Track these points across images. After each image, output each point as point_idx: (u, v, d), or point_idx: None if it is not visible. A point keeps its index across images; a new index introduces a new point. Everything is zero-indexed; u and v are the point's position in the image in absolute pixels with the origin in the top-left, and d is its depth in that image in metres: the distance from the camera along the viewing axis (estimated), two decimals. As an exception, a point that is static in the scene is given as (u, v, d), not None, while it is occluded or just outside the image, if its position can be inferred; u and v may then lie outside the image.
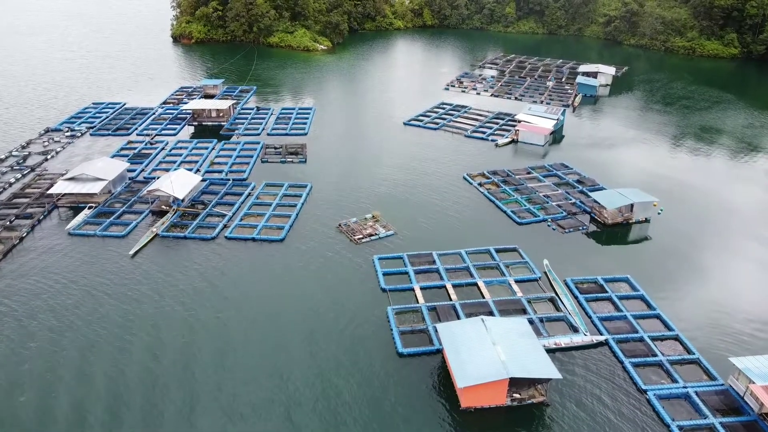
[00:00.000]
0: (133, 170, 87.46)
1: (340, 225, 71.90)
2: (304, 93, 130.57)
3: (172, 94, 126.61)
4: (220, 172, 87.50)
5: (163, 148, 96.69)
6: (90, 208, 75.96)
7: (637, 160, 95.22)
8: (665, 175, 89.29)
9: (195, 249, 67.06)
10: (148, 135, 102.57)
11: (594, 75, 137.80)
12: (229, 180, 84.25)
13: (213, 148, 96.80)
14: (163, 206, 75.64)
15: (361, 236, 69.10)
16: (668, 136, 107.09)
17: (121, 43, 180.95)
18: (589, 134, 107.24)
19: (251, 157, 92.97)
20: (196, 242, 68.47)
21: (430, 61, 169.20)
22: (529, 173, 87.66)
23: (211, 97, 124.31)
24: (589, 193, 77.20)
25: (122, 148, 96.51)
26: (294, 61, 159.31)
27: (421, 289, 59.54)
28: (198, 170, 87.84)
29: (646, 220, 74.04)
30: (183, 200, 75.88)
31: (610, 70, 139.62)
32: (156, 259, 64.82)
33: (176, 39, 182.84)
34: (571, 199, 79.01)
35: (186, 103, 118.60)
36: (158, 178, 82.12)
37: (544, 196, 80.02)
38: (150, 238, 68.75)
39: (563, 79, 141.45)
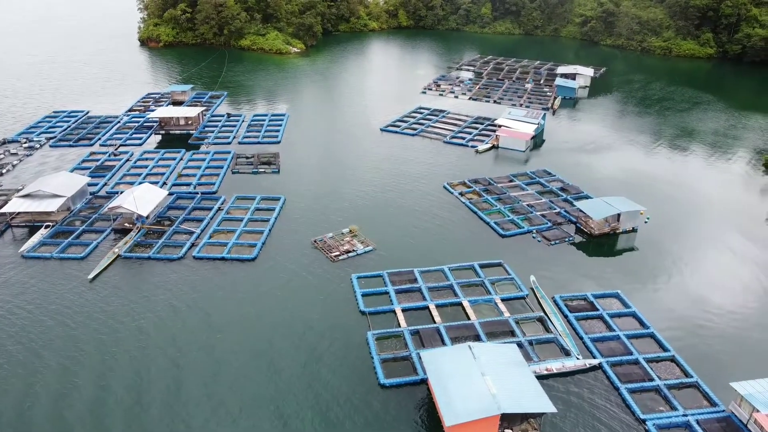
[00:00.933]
0: (95, 184, 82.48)
1: (315, 241, 68.09)
2: (277, 98, 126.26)
3: (139, 101, 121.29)
4: (188, 185, 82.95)
5: (127, 160, 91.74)
6: (47, 227, 71.04)
7: (620, 164, 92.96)
8: (649, 180, 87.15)
9: (160, 271, 62.66)
10: (111, 145, 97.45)
11: (572, 76, 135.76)
12: (197, 194, 79.76)
13: (181, 159, 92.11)
14: (126, 224, 71.00)
15: (338, 253, 65.35)
16: (650, 138, 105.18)
17: (87, 47, 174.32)
18: (570, 138, 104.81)
19: (221, 167, 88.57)
20: (161, 263, 64.04)
21: (406, 64, 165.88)
22: (511, 181, 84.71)
23: (180, 103, 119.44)
24: (575, 203, 74.38)
25: (84, 160, 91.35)
26: (266, 65, 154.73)
27: (403, 310, 56.04)
28: (165, 183, 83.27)
29: (633, 230, 71.54)
30: (147, 217, 71.30)
31: (589, 72, 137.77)
32: (117, 283, 60.30)
33: (144, 42, 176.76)
34: (555, 209, 76.22)
35: (153, 110, 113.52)
36: (121, 192, 77.37)
37: (527, 205, 77.08)
38: (111, 260, 64.14)
39: (541, 81, 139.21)
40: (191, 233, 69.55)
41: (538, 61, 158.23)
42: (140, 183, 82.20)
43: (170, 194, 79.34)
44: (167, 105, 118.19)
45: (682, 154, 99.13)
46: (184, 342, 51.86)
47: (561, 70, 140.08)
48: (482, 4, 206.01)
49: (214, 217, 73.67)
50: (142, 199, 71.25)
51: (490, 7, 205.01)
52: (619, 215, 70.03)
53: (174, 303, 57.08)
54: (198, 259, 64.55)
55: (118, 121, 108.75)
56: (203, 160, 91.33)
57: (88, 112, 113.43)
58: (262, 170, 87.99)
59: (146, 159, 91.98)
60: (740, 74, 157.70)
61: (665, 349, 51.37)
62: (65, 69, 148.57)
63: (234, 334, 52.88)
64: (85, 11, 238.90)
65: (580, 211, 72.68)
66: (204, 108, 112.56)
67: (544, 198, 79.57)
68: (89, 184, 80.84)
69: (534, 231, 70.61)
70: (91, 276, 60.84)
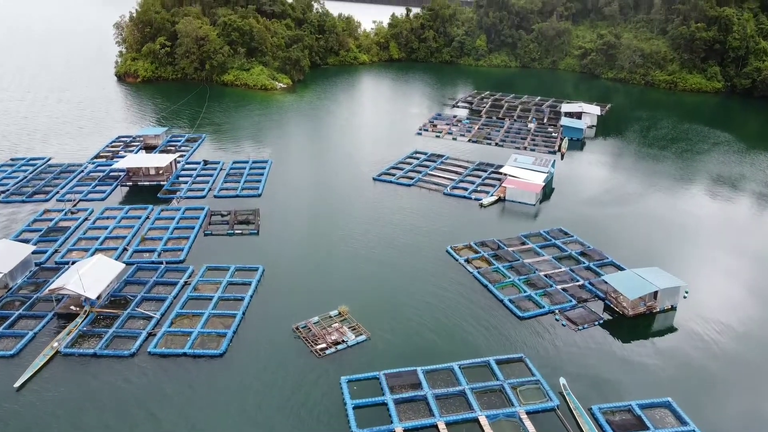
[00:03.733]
0: (43, 251, 71.06)
1: (297, 328, 56.95)
2: (260, 141, 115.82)
3: (107, 146, 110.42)
4: (152, 251, 71.73)
5: (86, 219, 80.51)
6: (-24, 312, 59.51)
7: (643, 219, 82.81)
8: (680, 239, 77.03)
9: (107, 373, 51.14)
10: (69, 201, 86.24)
11: (578, 115, 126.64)
12: (161, 263, 68.56)
13: (147, 218, 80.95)
14: (72, 307, 59.57)
15: (324, 345, 54.19)
16: (673, 186, 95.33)
17: (60, 81, 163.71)
18: (583, 187, 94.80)
19: (192, 228, 77.53)
20: (109, 362, 52.55)
21: (399, 100, 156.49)
22: (523, 244, 74.18)
23: (153, 148, 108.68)
24: (603, 276, 63.58)
25: (35, 220, 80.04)
26: (250, 102, 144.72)
27: None
28: (125, 249, 72.06)
29: (672, 308, 60.98)
30: (99, 297, 59.97)
31: (595, 110, 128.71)
32: (51, 393, 48.65)
33: (121, 77, 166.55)
34: (578, 280, 65.62)
35: (122, 156, 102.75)
36: (72, 263, 66.21)
37: (545, 276, 66.45)
38: (48, 358, 52.59)
39: (545, 120, 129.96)
40: (150, 318, 58.25)
41: (539, 97, 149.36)
42: (97, 249, 71.37)
43: (130, 264, 68.16)
44: (138, 150, 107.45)
45: (715, 204, 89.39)
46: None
47: (565, 108, 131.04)
48: (477, 36, 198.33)
49: (179, 295, 62.42)
50: (91, 276, 59.91)
51: (485, 39, 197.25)
52: (656, 293, 59.51)
53: (121, 419, 45.50)
54: (155, 356, 53.13)
55: (81, 171, 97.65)
56: (172, 218, 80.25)
57: (49, 160, 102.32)
58: (239, 231, 76.98)
59: (107, 218, 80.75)
60: (753, 110, 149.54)
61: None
62: (33, 106, 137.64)
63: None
64: (64, 41, 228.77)
65: (606, 283, 62.14)
66: (178, 154, 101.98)
67: (563, 265, 69.02)
68: (36, 252, 69.48)
69: (557, 311, 59.84)
70: (17, 384, 49.18)
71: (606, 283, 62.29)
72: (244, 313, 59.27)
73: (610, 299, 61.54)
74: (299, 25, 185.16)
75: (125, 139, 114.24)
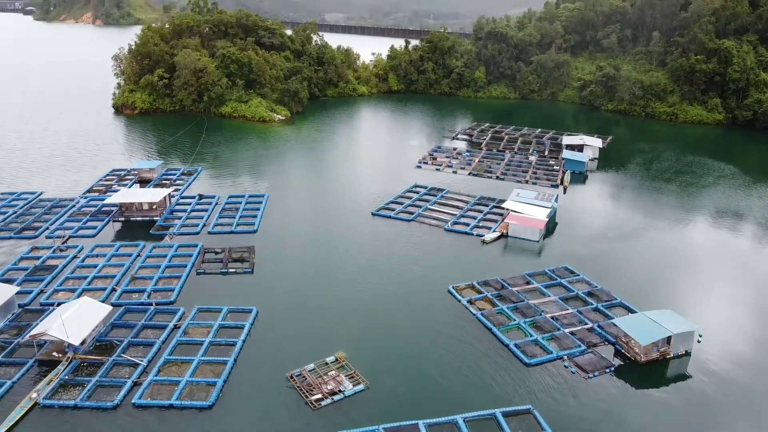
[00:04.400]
0: (28, 292, 68.22)
1: (291, 376, 53.86)
2: (257, 174, 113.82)
3: (101, 179, 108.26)
4: (141, 291, 68.86)
5: (74, 257, 77.81)
6: (-47, 358, 56.41)
7: (651, 256, 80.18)
8: (691, 277, 74.36)
9: (88, 426, 47.95)
10: (59, 237, 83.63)
11: (579, 148, 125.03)
12: (151, 305, 65.65)
13: (138, 255, 78.29)
14: (54, 353, 56.51)
15: (320, 396, 51.07)
16: (680, 221, 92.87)
17: (56, 111, 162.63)
18: (587, 222, 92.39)
19: (185, 266, 74.80)
20: (91, 414, 49.36)
21: (398, 132, 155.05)
22: (528, 283, 71.40)
23: (148, 182, 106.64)
24: (614, 321, 60.57)
25: (23, 258, 77.41)
26: (247, 134, 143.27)
27: (407, 495, 41.53)
28: (114, 289, 69.25)
29: (687, 353, 58.01)
30: (84, 342, 56.99)
31: (597, 143, 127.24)
32: (26, 450, 45.46)
33: (118, 109, 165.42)
34: (586, 322, 62.70)
35: (116, 190, 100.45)
36: (57, 305, 63.40)
37: (551, 318, 63.58)
38: (26, 410, 49.41)
39: (546, 153, 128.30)
40: (137, 365, 55.17)
41: (539, 129, 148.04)
42: (84, 290, 68.56)
43: (118, 305, 65.30)
44: (132, 184, 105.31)
45: (724, 239, 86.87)
46: None
47: (566, 140, 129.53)
48: (476, 68, 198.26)
49: (168, 340, 59.41)
50: (76, 320, 57.02)
51: (484, 71, 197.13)
52: (670, 338, 56.61)
53: (97, 484, 42.30)
54: (139, 408, 49.92)
55: (73, 206, 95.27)
56: (164, 256, 77.56)
57: (40, 194, 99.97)
58: (233, 270, 74.24)
59: (97, 256, 78.04)
60: (756, 141, 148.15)
61: None
62: (29, 138, 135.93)
63: None
64: (63, 74, 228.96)
65: (616, 326, 59.25)
66: (173, 189, 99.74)
67: (571, 306, 66.17)
68: (20, 292, 66.64)
69: (565, 357, 56.84)
70: (-9, 441, 46.09)
71: (616, 326, 59.36)
72: (235, 360, 56.22)
73: (620, 344, 58.58)
74: (298, 57, 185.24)
75: (119, 172, 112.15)
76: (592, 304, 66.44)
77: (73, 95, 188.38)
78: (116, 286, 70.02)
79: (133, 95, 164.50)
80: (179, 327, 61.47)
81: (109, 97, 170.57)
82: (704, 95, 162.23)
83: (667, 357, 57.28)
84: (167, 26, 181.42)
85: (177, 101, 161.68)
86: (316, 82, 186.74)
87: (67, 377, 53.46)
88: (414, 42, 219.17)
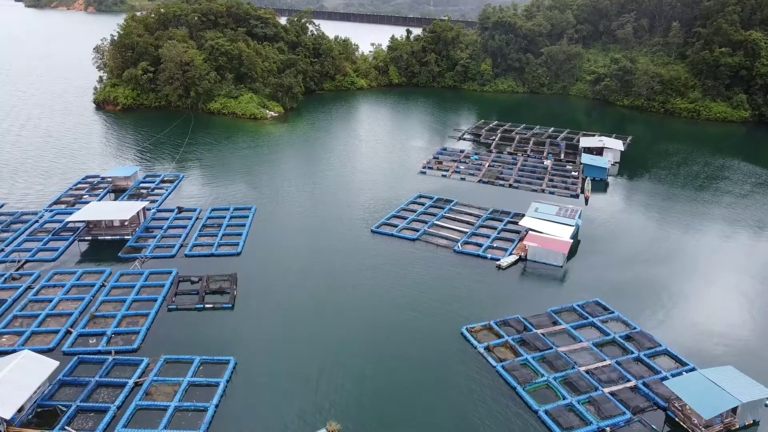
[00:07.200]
0: (-33, 335, 57.96)
1: (273, 458, 43.68)
2: (245, 181, 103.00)
3: (71, 189, 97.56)
4: (101, 334, 58.50)
5: (29, 287, 67.33)
6: None
7: (697, 286, 69.80)
8: (746, 315, 63.82)
9: None
10: (15, 261, 73.15)
11: (599, 151, 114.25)
12: (110, 354, 55.31)
13: (102, 285, 67.83)
14: (-17, 425, 46.28)
15: (307, 489, 40.89)
16: (726, 240, 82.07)
17: (32, 108, 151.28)
18: (615, 241, 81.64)
19: (155, 300, 64.42)
20: None
21: (399, 130, 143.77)
22: (554, 323, 61.03)
23: (123, 191, 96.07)
24: (666, 383, 49.86)
25: (-33, 289, 67.02)
26: (237, 134, 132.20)
27: None
28: (69, 331, 58.92)
29: (755, 423, 47.81)
30: (21, 410, 46.70)
31: (618, 145, 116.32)
32: None
33: (100, 105, 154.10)
34: (629, 379, 52.39)
35: (86, 202, 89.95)
36: (-3, 356, 53.06)
37: (585, 372, 53.28)
38: None
39: (561, 156, 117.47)
40: (83, 441, 44.99)
41: (552, 128, 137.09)
42: (33, 332, 58.36)
43: (70, 354, 55.04)
44: (105, 194, 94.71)
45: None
46: None
47: (584, 142, 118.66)
48: (482, 60, 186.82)
49: (126, 403, 49.10)
50: (11, 383, 46.67)
51: (491, 64, 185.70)
52: (736, 407, 46.37)
53: None
54: (79, 507, 39.81)
55: (36, 220, 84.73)
56: (132, 287, 67.09)
57: (1, 206, 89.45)
58: (210, 305, 63.82)
59: (54, 286, 67.55)
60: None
61: None
62: (1, 138, 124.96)
63: None
64: (48, 62, 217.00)
65: (673, 394, 48.95)
66: (148, 202, 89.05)
67: (607, 355, 55.83)
68: (-44, 338, 56.39)
69: (608, 429, 46.57)
70: None
71: (668, 387, 49.03)
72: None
73: (673, 409, 48.34)
74: (293, 49, 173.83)
75: (92, 179, 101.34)
76: (632, 353, 56.13)
77: (56, 90, 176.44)
78: (71, 327, 59.62)
79: (115, 90, 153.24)
80: (140, 384, 51.17)
81: (90, 91, 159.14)
82: (728, 90, 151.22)
83: (732, 429, 47.01)
84: (153, 15, 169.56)
85: (162, 97, 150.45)
86: (311, 75, 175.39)
87: (-7, 461, 43.31)
88: (416, 31, 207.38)
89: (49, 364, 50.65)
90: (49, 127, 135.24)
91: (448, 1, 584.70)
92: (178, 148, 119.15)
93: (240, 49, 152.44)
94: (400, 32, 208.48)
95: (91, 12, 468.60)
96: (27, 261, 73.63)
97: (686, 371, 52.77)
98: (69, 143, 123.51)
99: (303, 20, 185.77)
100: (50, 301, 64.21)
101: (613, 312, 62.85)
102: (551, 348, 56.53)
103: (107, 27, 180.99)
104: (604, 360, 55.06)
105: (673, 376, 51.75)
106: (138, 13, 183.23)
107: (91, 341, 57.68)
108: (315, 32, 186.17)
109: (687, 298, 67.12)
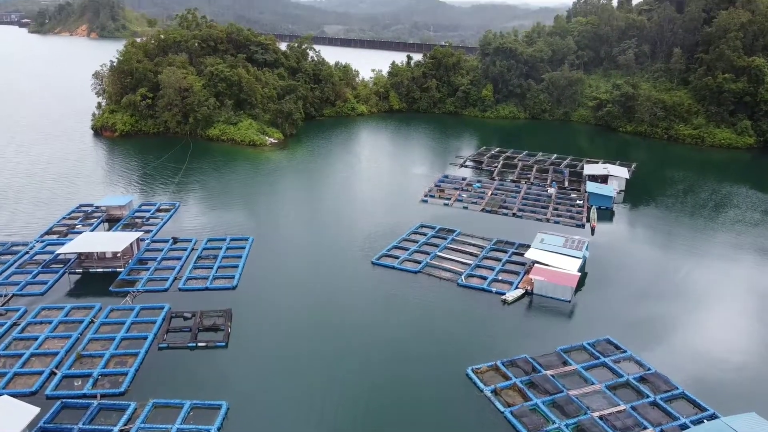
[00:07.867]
0: (-53, 376, 54.99)
1: None
2: (243, 209, 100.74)
3: (64, 218, 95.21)
4: (87, 375, 55.58)
5: (15, 323, 64.54)
6: None
7: (712, 324, 66.83)
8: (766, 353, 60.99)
9: None
10: (2, 295, 70.44)
11: (603, 179, 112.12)
12: (95, 398, 52.31)
13: (91, 321, 65.03)
14: (-44, 478, 43.16)
15: None
16: (741, 271, 79.46)
17: (29, 134, 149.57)
18: (624, 274, 78.80)
19: (145, 338, 61.57)
20: None
21: (400, 157, 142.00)
22: (564, 363, 58.10)
23: (117, 220, 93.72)
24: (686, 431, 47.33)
25: (-50, 326, 64.17)
26: (235, 161, 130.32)
27: None
28: (54, 371, 56.03)
29: (782, 476, 44.70)
30: (-4, 461, 43.66)
31: (623, 172, 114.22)
32: None
33: (98, 132, 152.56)
34: (645, 426, 49.30)
35: (79, 232, 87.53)
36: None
37: (599, 418, 50.22)
38: None
39: (565, 183, 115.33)
40: (62, 496, 41.83)
41: (555, 155, 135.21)
42: (16, 373, 55.49)
43: (54, 398, 52.05)
44: (98, 224, 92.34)
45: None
46: None
47: (588, 169, 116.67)
48: (483, 86, 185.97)
49: (109, 454, 46.09)
50: (-14, 434, 43.78)
51: (492, 89, 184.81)
52: (764, 460, 43.38)
53: None
54: None
55: (26, 251, 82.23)
56: (122, 323, 64.29)
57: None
58: (203, 343, 60.97)
59: (41, 322, 64.75)
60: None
61: None
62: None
63: None
64: (50, 88, 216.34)
65: (691, 438, 46.06)
66: (142, 233, 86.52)
67: (621, 399, 52.77)
68: (-65, 380, 53.43)
69: (626, 485, 43.50)
70: None
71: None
72: (193, 489, 42.87)
73: (695, 462, 45.27)
74: (293, 75, 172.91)
75: (86, 208, 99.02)
76: (648, 396, 53.10)
77: (56, 115, 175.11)
78: (56, 368, 56.68)
79: (113, 116, 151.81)
80: (127, 432, 48.15)
81: (89, 118, 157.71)
82: (732, 117, 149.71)
83: (759, 483, 43.97)
84: (153, 42, 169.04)
85: (161, 123, 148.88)
86: (311, 101, 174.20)
87: None
88: (416, 57, 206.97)
89: (29, 411, 47.58)
90: (44, 153, 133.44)
91: (447, 26, 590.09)
92: (175, 175, 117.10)
93: (239, 75, 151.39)
94: (400, 58, 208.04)
95: (94, 38, 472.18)
96: (14, 295, 70.86)
97: (706, 417, 49.73)
98: (64, 170, 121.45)
99: (303, 46, 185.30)
100: (36, 339, 61.37)
101: (625, 351, 59.93)
102: (562, 391, 53.53)
103: (108, 53, 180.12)
104: (618, 405, 52.00)
105: (693, 423, 48.72)
106: (138, 39, 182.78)
107: (76, 383, 54.76)
108: (315, 58, 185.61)
109: (702, 336, 64.24)
